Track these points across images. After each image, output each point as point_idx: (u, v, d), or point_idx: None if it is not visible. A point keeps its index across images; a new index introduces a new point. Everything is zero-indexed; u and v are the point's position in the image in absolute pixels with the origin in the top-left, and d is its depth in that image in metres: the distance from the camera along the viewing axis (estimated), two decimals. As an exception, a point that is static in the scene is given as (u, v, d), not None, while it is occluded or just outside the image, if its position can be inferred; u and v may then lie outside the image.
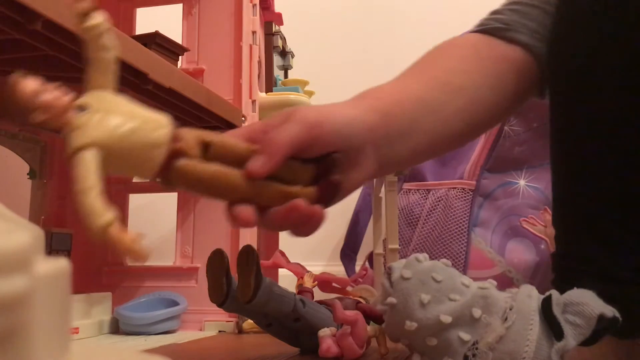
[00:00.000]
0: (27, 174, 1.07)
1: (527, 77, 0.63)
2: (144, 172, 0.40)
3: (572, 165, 0.60)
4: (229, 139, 0.45)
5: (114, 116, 0.39)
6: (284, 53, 1.41)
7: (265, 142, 0.44)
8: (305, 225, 0.45)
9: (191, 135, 0.42)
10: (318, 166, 0.47)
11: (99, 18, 0.41)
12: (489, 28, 0.64)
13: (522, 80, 0.63)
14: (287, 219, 0.44)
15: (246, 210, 0.43)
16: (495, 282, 0.49)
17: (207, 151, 0.43)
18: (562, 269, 0.60)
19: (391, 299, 0.48)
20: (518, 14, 0.64)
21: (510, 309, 0.46)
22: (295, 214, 0.43)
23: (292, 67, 1.46)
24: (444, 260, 0.50)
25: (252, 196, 0.44)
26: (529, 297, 0.47)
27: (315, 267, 0.97)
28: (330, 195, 0.47)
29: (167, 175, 0.41)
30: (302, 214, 0.43)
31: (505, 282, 1.23)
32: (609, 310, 0.44)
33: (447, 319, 0.46)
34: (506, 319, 0.45)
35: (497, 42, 0.63)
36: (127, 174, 0.41)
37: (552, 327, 0.44)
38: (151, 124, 0.40)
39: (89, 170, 0.36)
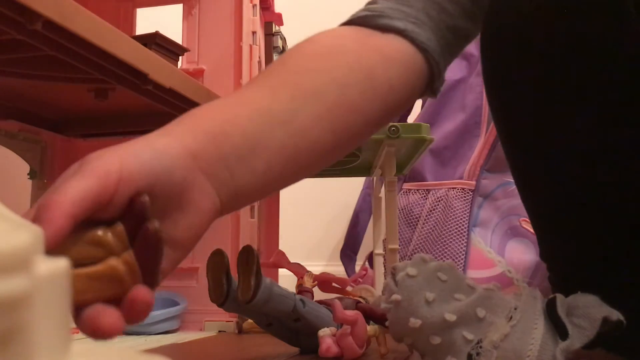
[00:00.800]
0: (27, 174, 1.07)
1: (409, 70, 0.53)
2: None
3: (549, 219, 0.58)
4: None
5: None
6: (284, 53, 1.41)
7: (43, 206, 0.32)
8: (129, 318, 0.33)
9: None
10: (128, 221, 0.35)
11: None
12: (356, 18, 0.55)
13: (400, 72, 0.52)
14: (97, 328, 0.32)
15: None
16: (499, 285, 0.49)
17: None
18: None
19: (396, 296, 0.48)
20: (393, 0, 0.54)
21: (515, 309, 0.46)
22: (100, 325, 0.32)
23: (292, 67, 1.46)
24: (449, 262, 0.50)
25: None
26: (534, 298, 0.47)
27: (315, 267, 0.97)
28: (154, 251, 0.34)
29: None
30: (106, 323, 0.32)
31: (505, 282, 1.23)
32: (614, 314, 0.44)
33: (451, 317, 0.46)
34: (511, 317, 0.46)
35: (367, 32, 0.53)
36: None
37: (556, 327, 0.44)
38: None
39: None
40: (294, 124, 0.45)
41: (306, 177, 0.49)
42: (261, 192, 0.45)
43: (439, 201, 1.34)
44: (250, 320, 0.89)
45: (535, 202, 0.59)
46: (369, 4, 0.56)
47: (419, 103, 1.49)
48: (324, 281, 0.84)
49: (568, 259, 0.57)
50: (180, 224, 0.38)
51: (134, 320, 0.33)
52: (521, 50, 0.52)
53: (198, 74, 1.06)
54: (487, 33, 0.55)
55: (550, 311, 0.45)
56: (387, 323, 0.51)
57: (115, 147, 0.37)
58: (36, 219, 0.32)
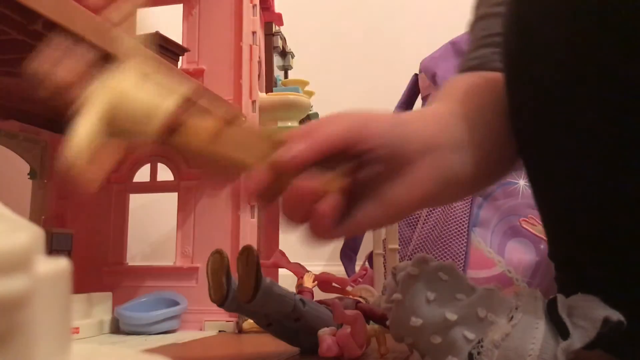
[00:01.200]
0: (28, 174, 1.07)
1: None
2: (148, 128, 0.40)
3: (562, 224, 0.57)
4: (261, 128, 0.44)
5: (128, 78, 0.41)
6: (284, 53, 1.41)
7: (308, 133, 0.42)
8: (312, 224, 0.45)
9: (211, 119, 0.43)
10: (347, 164, 0.44)
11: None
12: (466, 68, 0.63)
13: None
14: (287, 203, 0.43)
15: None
16: (500, 286, 0.49)
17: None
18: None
19: (397, 295, 0.48)
20: (487, 46, 0.61)
21: (516, 309, 0.46)
22: (295, 196, 0.42)
23: (292, 67, 1.46)
24: (450, 262, 0.50)
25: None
26: (535, 298, 0.47)
27: (315, 267, 0.97)
28: (349, 196, 0.43)
29: (176, 134, 0.42)
30: (300, 193, 0.42)
31: (505, 282, 1.23)
32: (614, 315, 0.44)
33: (452, 316, 0.46)
34: (512, 317, 0.46)
35: (483, 73, 0.61)
36: (130, 131, 0.40)
37: (557, 327, 0.44)
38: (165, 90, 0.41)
39: (93, 112, 0.38)
40: (479, 129, 0.52)
41: (492, 183, 0.59)
42: (467, 186, 0.51)
43: (439, 201, 1.35)
44: (250, 320, 0.89)
45: (550, 202, 0.59)
46: (467, 55, 0.64)
47: (419, 103, 1.49)
48: (324, 281, 0.84)
49: (580, 259, 0.57)
50: (392, 189, 0.44)
51: (313, 231, 0.46)
52: (542, 52, 0.52)
53: (198, 74, 1.06)
54: (509, 28, 0.55)
55: (551, 311, 0.45)
56: (387, 322, 0.51)
57: (365, 113, 0.46)
58: (292, 142, 0.41)
